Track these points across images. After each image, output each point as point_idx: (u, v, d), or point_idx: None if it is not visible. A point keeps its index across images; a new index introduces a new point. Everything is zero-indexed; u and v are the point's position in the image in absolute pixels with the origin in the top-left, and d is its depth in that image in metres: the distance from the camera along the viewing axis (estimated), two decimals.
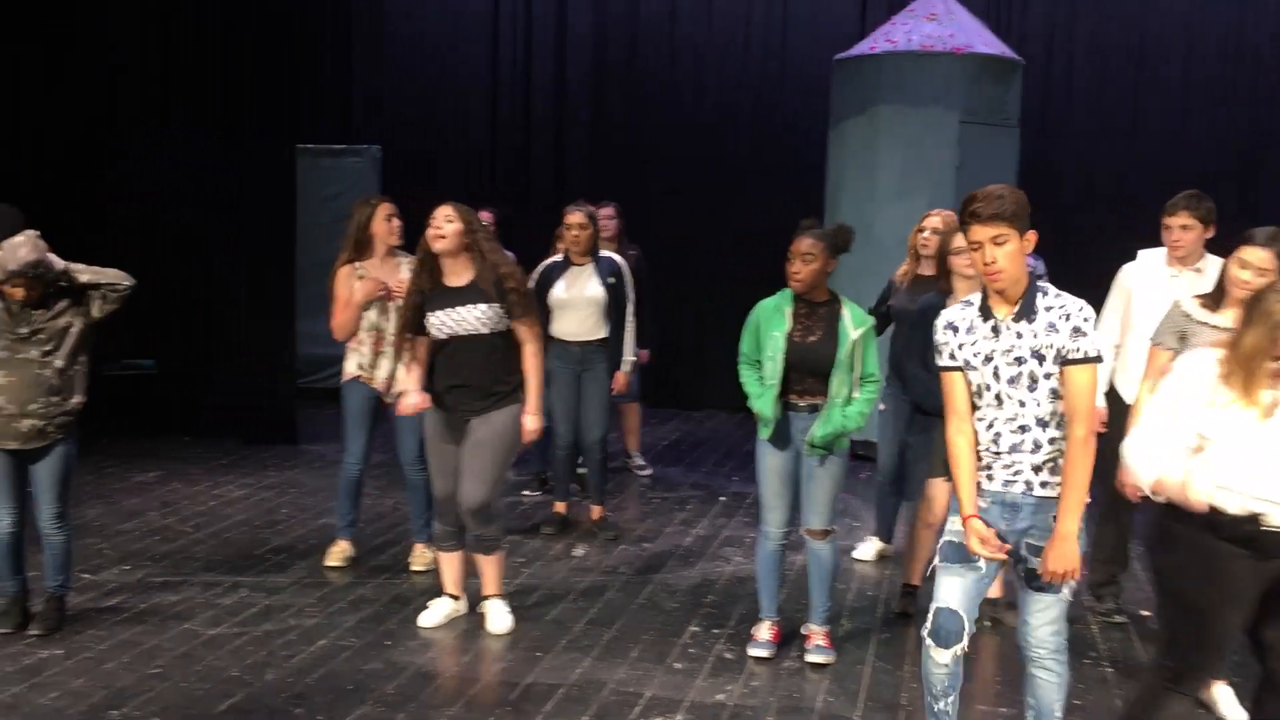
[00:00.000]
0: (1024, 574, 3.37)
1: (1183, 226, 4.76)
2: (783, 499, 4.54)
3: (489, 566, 4.87)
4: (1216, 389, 3.14)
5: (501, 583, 4.93)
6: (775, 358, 4.39)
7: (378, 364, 5.45)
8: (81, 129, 8.41)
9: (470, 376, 4.65)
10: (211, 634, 4.73)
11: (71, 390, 4.54)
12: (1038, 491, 3.31)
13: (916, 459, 5.17)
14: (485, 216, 7.25)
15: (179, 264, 8.34)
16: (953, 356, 3.37)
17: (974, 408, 3.37)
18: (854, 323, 4.37)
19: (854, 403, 4.38)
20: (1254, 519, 3.09)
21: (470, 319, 4.63)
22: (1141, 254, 5.01)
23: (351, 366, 5.49)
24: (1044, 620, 3.36)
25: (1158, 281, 4.84)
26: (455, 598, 4.96)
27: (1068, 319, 3.22)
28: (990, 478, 3.36)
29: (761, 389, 4.45)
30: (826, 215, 8.04)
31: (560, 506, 6.37)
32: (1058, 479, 3.29)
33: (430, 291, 4.67)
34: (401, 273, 5.40)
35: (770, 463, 4.52)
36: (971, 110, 7.78)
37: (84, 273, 4.55)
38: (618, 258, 6.30)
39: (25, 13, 8.07)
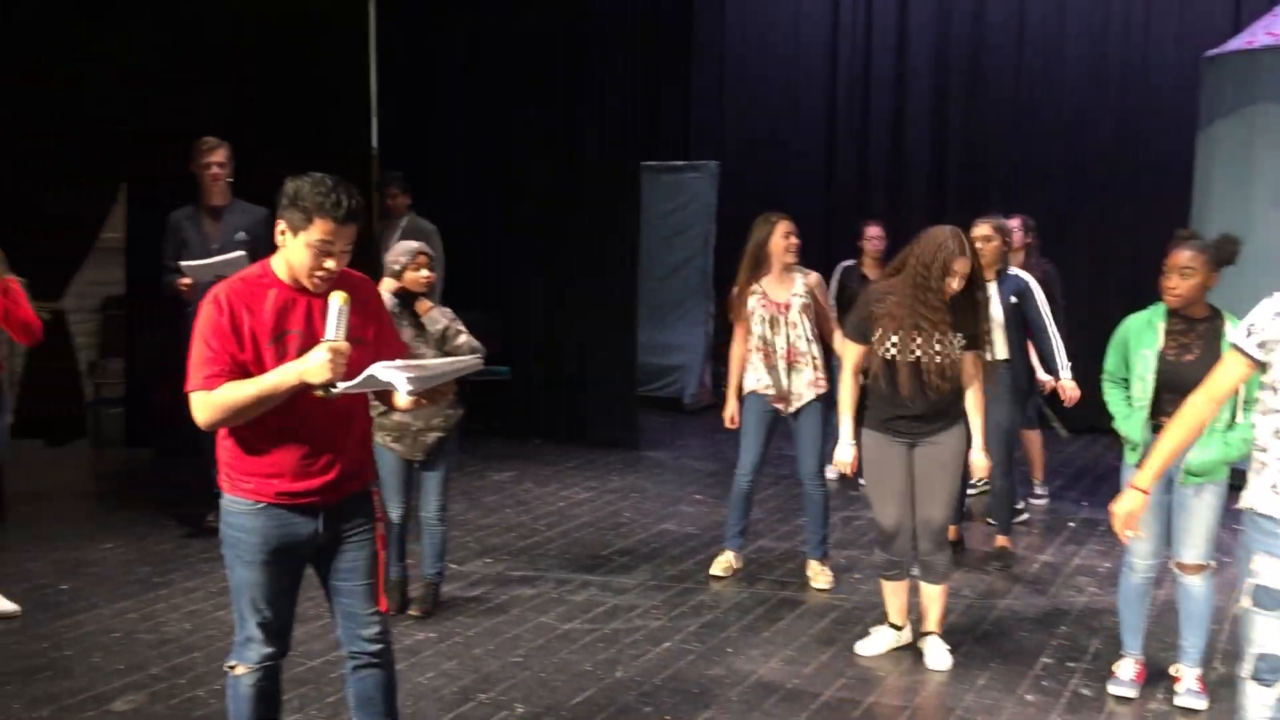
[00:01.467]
0: None
1: None
2: (1151, 529, 4.23)
3: (935, 599, 4.72)
4: None
5: (943, 619, 4.75)
6: (1145, 377, 4.12)
7: (771, 377, 5.49)
8: (453, 145, 9.13)
9: (936, 401, 4.49)
10: (565, 629, 4.98)
11: (459, 398, 4.97)
12: None
13: None
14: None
15: (533, 275, 8.86)
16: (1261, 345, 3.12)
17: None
18: None
19: (1237, 428, 4.03)
20: None
21: (950, 344, 4.48)
22: None
23: (750, 380, 5.57)
24: None
25: None
26: (898, 627, 4.85)
27: None
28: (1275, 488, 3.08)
29: (1129, 410, 4.19)
30: (1194, 224, 7.46)
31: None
32: None
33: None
34: (794, 288, 5.46)
35: None
36: None
37: (462, 335, 4.82)
38: (1024, 275, 5.85)
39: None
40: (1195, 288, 4.07)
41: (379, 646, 3.29)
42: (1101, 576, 5.78)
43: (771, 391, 5.48)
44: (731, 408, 5.61)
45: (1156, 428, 4.15)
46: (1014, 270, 5.83)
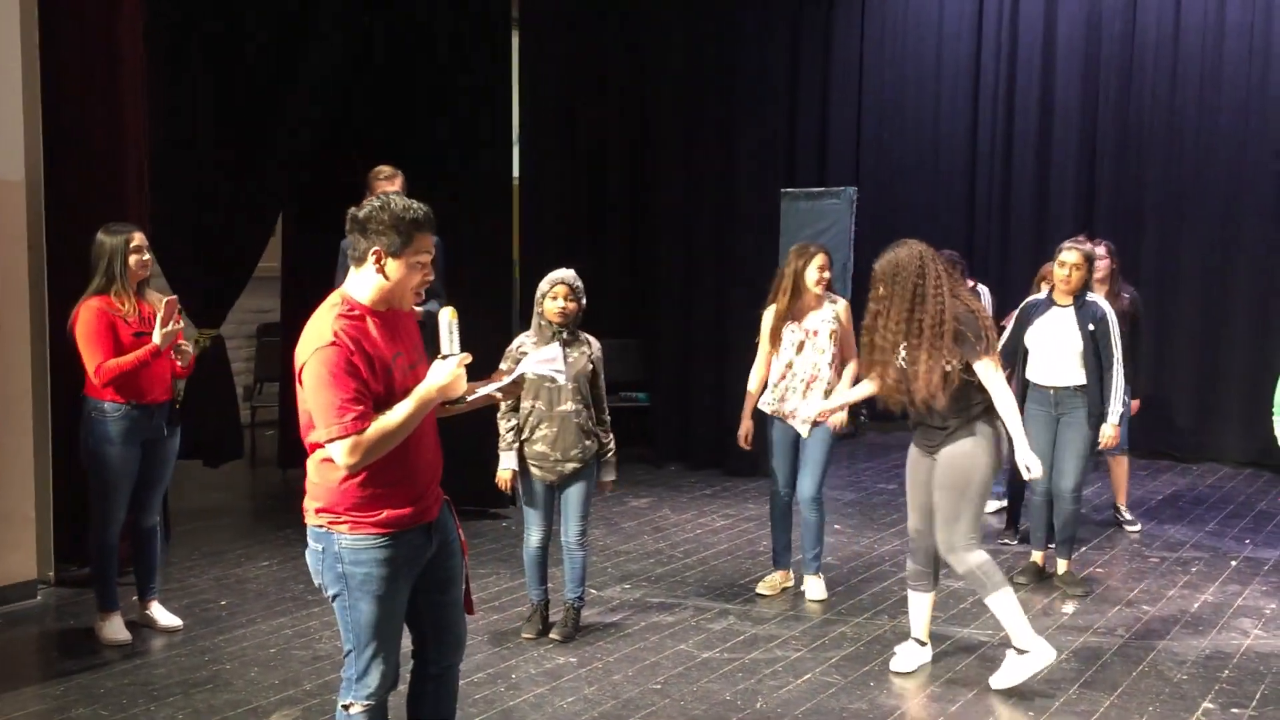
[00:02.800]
0: None
1: None
2: None
3: (995, 613, 4.65)
4: None
5: (1018, 633, 4.60)
6: None
7: (786, 398, 5.58)
8: (592, 173, 9.27)
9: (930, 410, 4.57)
10: (704, 657, 4.96)
11: (603, 429, 5.09)
12: None
13: None
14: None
15: (671, 302, 8.91)
16: None
17: None
18: None
19: None
20: None
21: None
22: None
23: (767, 402, 5.70)
24: None
25: None
26: (921, 643, 4.84)
27: None
28: None
29: None
30: None
31: (1037, 557, 6.09)
32: None
33: None
34: (825, 314, 5.52)
35: None
36: None
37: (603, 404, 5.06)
38: (1102, 302, 5.80)
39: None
40: None
41: (461, 655, 3.35)
42: (1267, 618, 5.50)
43: (787, 411, 5.59)
44: (745, 427, 5.73)
45: None
46: (1092, 297, 5.77)
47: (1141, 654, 5.05)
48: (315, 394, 2.93)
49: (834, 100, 10.94)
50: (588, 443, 5.01)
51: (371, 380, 2.94)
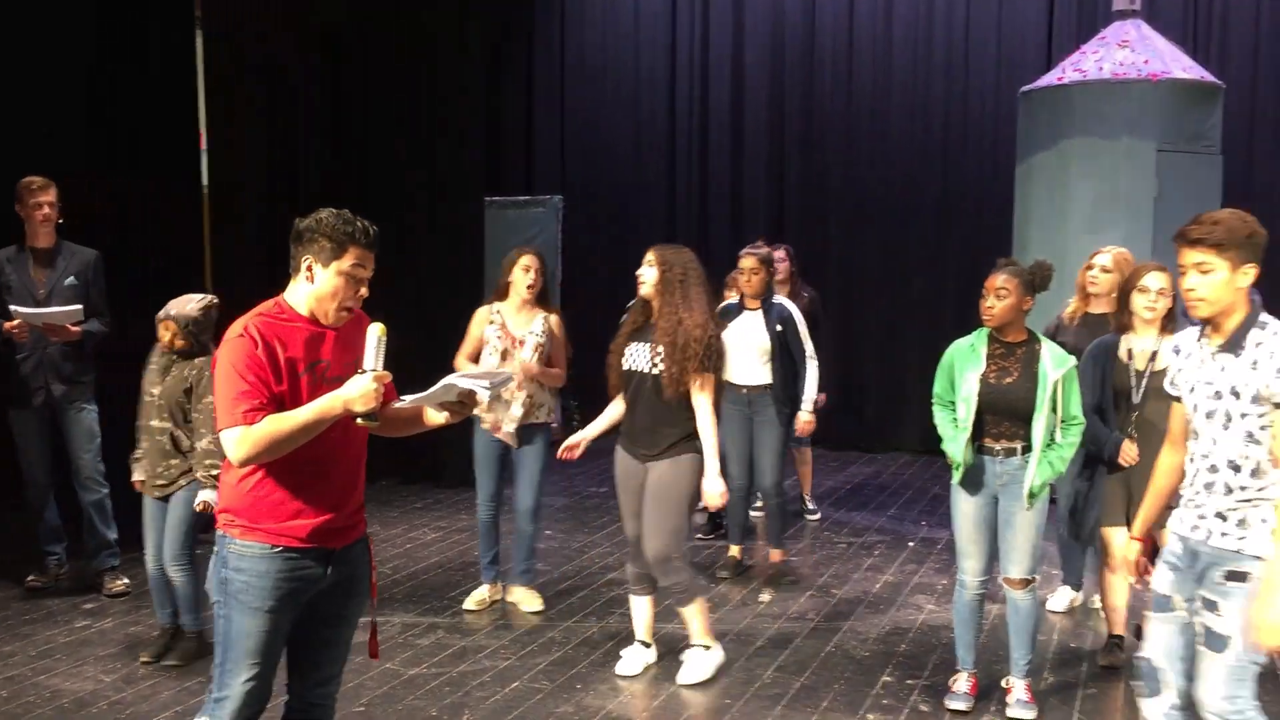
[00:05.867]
0: (1201, 631, 3.10)
1: None
2: (979, 546, 4.39)
3: (686, 617, 4.80)
4: None
5: (706, 632, 4.81)
6: (969, 399, 4.27)
7: (493, 408, 5.49)
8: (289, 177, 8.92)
9: (640, 417, 4.64)
10: (410, 674, 4.87)
11: (198, 454, 4.73)
12: (1215, 542, 3.07)
13: (1089, 505, 4.85)
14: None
15: (377, 313, 8.68)
16: (1172, 383, 3.26)
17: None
18: (1054, 363, 4.21)
19: (1057, 447, 4.22)
20: None
21: (642, 356, 4.61)
22: None
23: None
24: (1212, 683, 3.03)
25: None
26: (646, 645, 4.95)
27: (1271, 357, 2.99)
28: (1181, 518, 3.18)
29: (955, 431, 4.34)
30: (1015, 251, 7.83)
31: (735, 551, 6.34)
32: (1244, 533, 3.03)
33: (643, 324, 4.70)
34: (533, 325, 5.45)
35: (965, 509, 4.38)
36: (1170, 138, 7.46)
37: (203, 431, 4.68)
38: (787, 303, 6.12)
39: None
40: (1010, 309, 4.25)
41: (333, 701, 3.26)
42: (939, 593, 5.96)
43: (487, 422, 5.51)
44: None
45: (979, 449, 4.32)
46: (778, 299, 6.12)
47: (830, 635, 5.37)
48: (219, 385, 2.94)
49: (538, 110, 11.05)
50: (173, 463, 4.78)
51: (273, 380, 2.91)
